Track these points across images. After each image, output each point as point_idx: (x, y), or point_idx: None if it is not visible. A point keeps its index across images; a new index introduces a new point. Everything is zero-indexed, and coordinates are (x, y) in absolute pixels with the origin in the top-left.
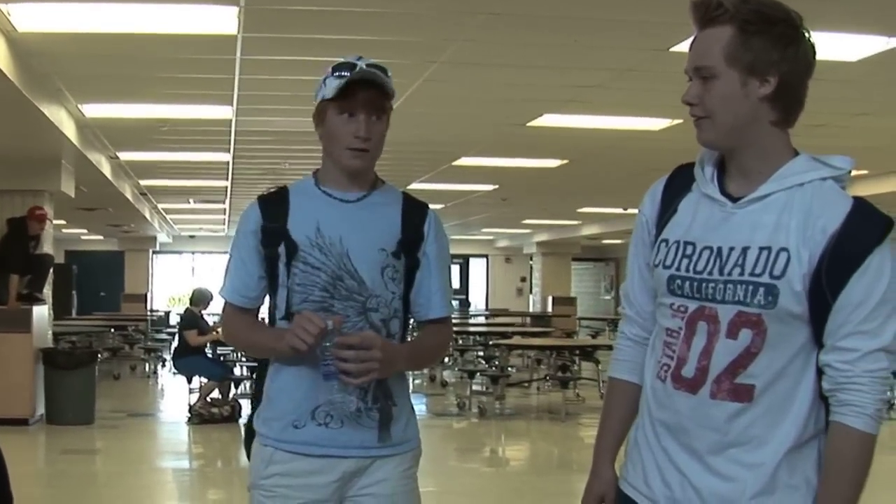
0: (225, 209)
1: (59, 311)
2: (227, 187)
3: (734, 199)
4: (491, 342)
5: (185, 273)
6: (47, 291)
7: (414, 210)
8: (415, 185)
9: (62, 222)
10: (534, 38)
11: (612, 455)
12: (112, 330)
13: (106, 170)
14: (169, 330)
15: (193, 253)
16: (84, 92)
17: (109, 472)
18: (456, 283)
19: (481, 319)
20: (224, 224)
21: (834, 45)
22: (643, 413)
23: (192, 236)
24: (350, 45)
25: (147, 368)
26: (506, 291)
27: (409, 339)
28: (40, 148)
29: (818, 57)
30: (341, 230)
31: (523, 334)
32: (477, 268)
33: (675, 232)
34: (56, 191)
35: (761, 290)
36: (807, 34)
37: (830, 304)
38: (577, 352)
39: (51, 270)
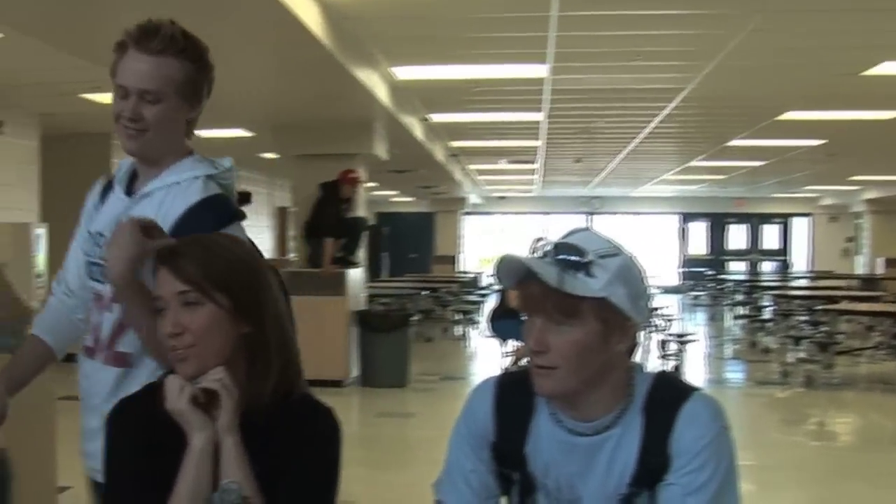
0: (535, 169)
1: (371, 273)
2: (538, 147)
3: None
4: (817, 307)
5: (495, 234)
6: (361, 254)
7: (656, 422)
8: (733, 143)
9: (374, 184)
10: None
11: None
12: (424, 292)
13: (417, 132)
14: (480, 292)
15: (504, 214)
16: (396, 54)
17: (424, 436)
18: (775, 244)
19: (804, 282)
20: (534, 185)
21: None
22: None
23: (501, 197)
24: None
25: (459, 331)
26: (830, 252)
27: None
28: (352, 112)
29: None
30: (572, 471)
31: (852, 299)
32: (799, 227)
33: (95, 224)
34: (368, 154)
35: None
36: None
37: None
38: None
39: (364, 234)
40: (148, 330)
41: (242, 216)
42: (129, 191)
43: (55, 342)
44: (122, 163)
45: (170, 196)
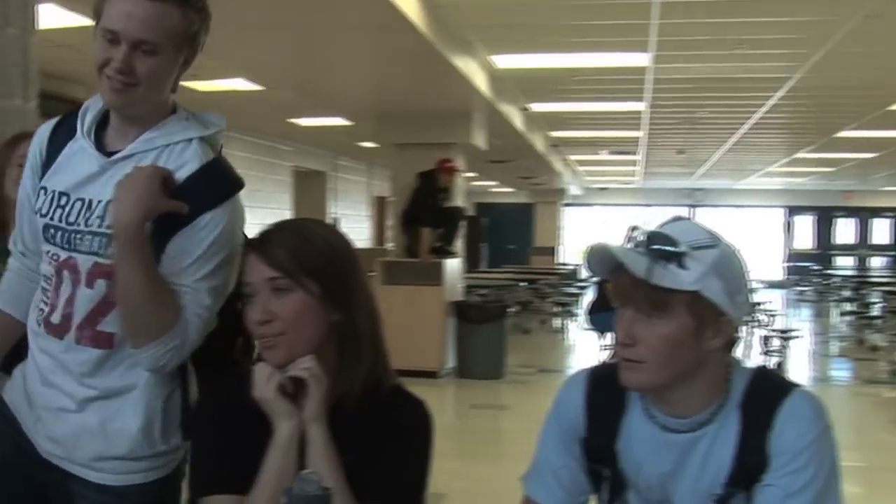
0: (637, 160)
1: (469, 263)
2: (640, 138)
3: (110, 154)
4: None
5: (595, 226)
6: (458, 244)
7: (755, 419)
8: (843, 134)
9: (473, 175)
10: None
11: None
12: (522, 284)
13: (517, 121)
14: (579, 284)
15: (605, 206)
16: (495, 42)
17: (517, 429)
18: (886, 239)
19: None
20: (635, 176)
21: None
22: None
23: (603, 188)
24: None
25: (557, 323)
26: None
27: None
28: (450, 100)
29: None
30: (664, 469)
31: None
32: None
33: (54, 182)
34: (467, 143)
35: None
36: None
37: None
38: None
39: (461, 223)
40: (129, 293)
41: (242, 184)
42: (98, 144)
43: (21, 314)
44: (89, 104)
45: (160, 161)
